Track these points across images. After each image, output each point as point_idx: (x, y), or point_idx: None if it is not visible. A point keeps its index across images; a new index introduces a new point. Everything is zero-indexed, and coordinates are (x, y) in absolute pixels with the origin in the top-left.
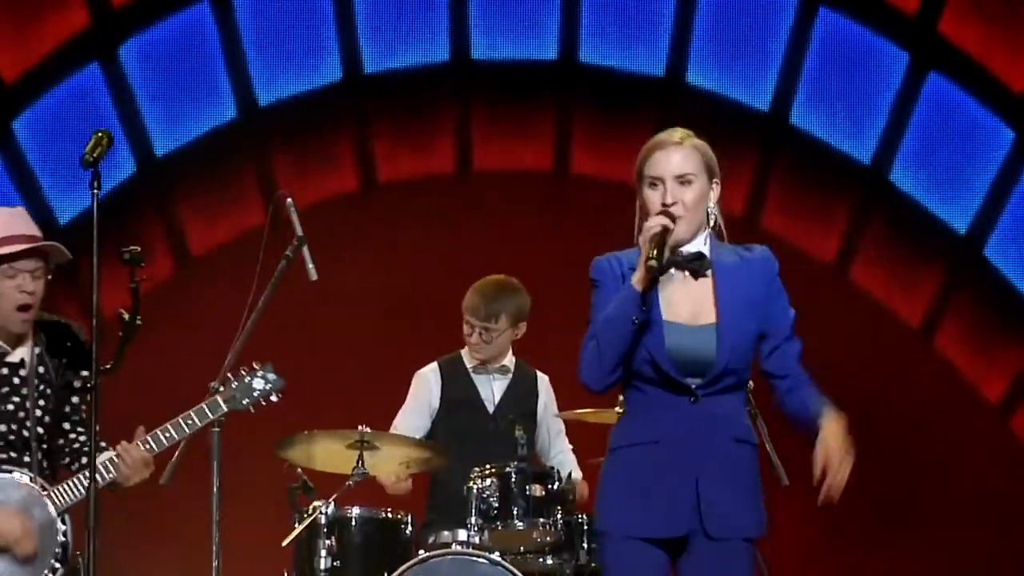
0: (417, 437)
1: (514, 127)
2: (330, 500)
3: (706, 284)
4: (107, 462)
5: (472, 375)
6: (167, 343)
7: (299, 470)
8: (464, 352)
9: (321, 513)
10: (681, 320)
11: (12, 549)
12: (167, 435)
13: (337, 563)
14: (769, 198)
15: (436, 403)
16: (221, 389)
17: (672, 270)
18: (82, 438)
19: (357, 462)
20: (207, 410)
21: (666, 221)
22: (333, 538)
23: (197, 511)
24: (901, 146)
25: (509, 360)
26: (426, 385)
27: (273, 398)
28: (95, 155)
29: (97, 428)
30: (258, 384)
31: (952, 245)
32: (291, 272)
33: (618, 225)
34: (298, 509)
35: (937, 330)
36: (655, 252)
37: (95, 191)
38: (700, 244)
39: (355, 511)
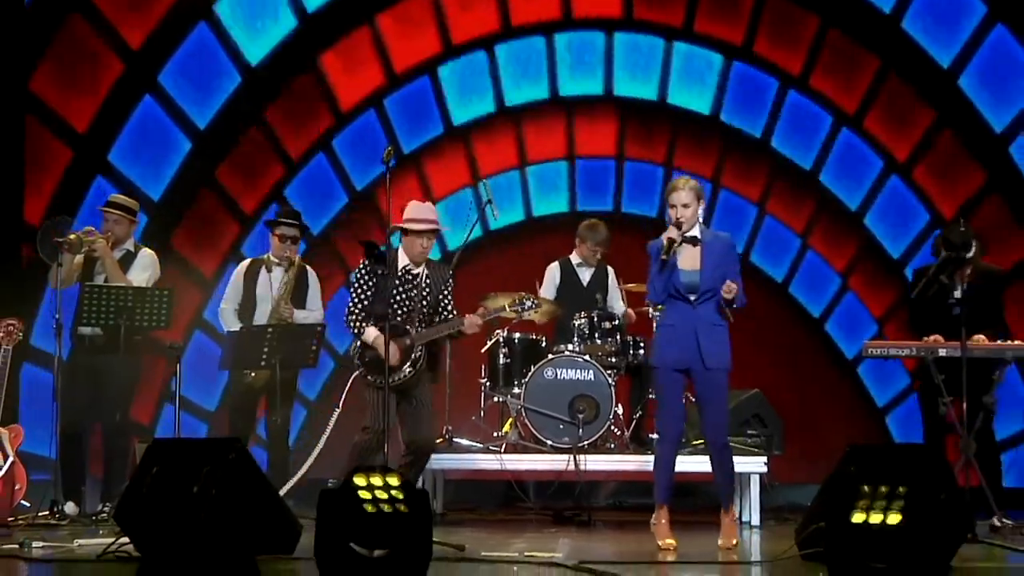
0: (549, 298)
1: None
2: (504, 328)
3: (697, 250)
4: (454, 321)
5: (575, 268)
6: None
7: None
8: (572, 255)
9: (500, 336)
10: (686, 268)
11: (395, 358)
12: (485, 313)
13: (508, 360)
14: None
15: (558, 281)
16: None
17: (683, 244)
18: (444, 314)
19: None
20: (498, 309)
21: (674, 235)
22: (505, 348)
23: None
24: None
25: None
26: (552, 273)
27: (526, 315)
28: (386, 158)
29: (407, 307)
30: (526, 303)
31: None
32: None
33: None
34: (488, 334)
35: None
36: (667, 250)
37: (388, 165)
38: (695, 231)
39: (516, 335)
